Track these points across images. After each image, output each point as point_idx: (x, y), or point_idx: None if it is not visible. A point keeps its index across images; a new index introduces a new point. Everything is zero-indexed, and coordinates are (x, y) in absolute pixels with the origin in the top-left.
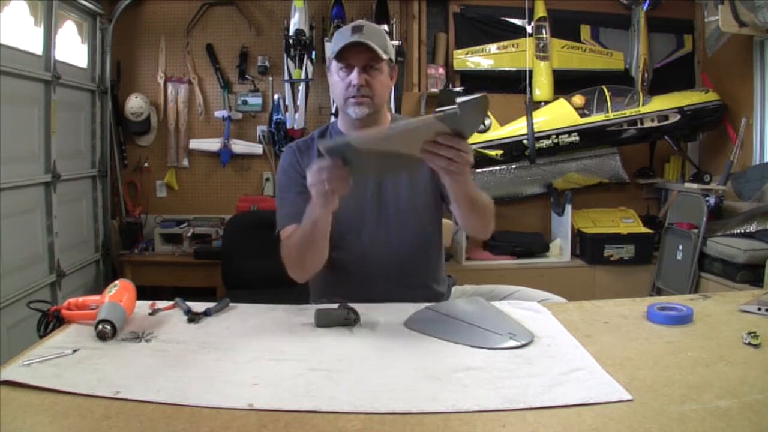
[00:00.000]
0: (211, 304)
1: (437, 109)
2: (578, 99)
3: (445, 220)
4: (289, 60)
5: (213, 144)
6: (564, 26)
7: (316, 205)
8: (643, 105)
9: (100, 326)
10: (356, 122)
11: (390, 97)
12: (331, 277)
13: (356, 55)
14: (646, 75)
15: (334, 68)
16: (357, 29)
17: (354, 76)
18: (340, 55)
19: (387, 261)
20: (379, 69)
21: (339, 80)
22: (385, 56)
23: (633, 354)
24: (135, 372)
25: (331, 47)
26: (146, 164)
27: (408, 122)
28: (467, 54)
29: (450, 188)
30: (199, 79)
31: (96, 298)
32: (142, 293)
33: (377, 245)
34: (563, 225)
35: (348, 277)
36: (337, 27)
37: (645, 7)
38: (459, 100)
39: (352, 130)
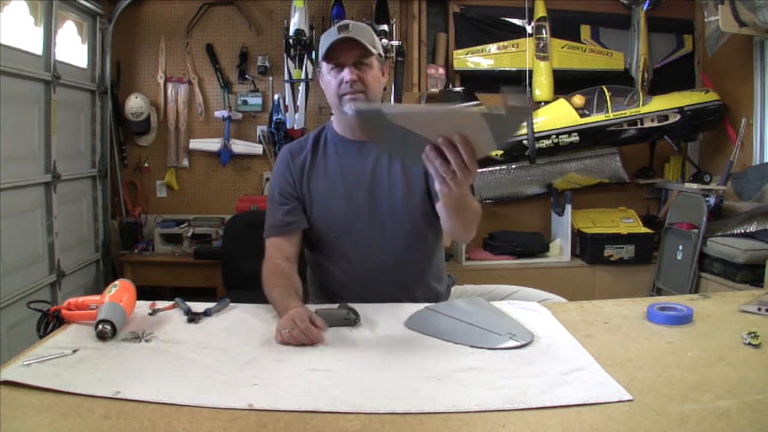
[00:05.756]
0: (211, 304)
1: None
2: (578, 99)
3: None
4: (289, 60)
5: (213, 144)
6: (564, 26)
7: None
8: (643, 105)
9: (100, 326)
10: (351, 120)
11: (390, 95)
12: (329, 277)
13: (345, 53)
14: (646, 75)
15: (325, 70)
16: (343, 28)
17: (346, 73)
18: (329, 55)
19: (383, 260)
20: (369, 64)
21: (331, 79)
22: (374, 51)
23: (633, 354)
24: (135, 372)
25: (319, 50)
26: (146, 164)
27: (449, 107)
28: (467, 54)
29: (441, 194)
30: (199, 79)
31: (96, 298)
32: (142, 293)
33: (371, 245)
34: (563, 225)
35: (346, 277)
36: None
37: (645, 7)
38: (509, 102)
39: (347, 129)
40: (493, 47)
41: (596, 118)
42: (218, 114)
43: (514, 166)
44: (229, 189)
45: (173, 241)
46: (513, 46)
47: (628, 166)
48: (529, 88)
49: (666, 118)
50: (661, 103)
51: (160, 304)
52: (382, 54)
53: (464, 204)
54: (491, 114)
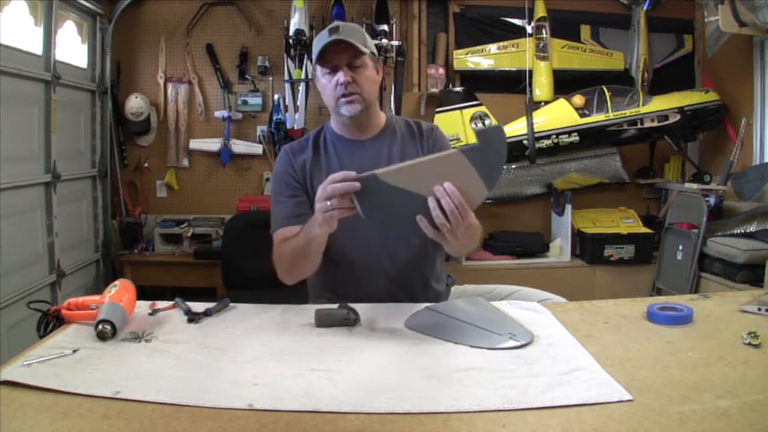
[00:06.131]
0: (211, 304)
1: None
2: (578, 99)
3: None
4: (289, 60)
5: (213, 144)
6: (564, 26)
7: (315, 224)
8: (643, 105)
9: (100, 326)
10: (349, 121)
11: (390, 95)
12: (329, 276)
13: (337, 55)
14: (646, 75)
15: (320, 73)
16: (334, 30)
17: (340, 75)
18: (322, 58)
19: (384, 260)
20: (362, 65)
21: (326, 83)
22: (365, 50)
23: (633, 354)
24: (135, 372)
25: (312, 53)
26: (146, 164)
27: (432, 155)
28: (467, 54)
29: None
30: (199, 79)
31: (96, 298)
32: (142, 293)
33: (372, 245)
34: (563, 225)
35: (346, 277)
36: None
37: (645, 7)
38: (476, 130)
39: (346, 129)
40: (493, 47)
41: (596, 118)
42: (218, 114)
43: (514, 166)
44: (229, 189)
45: (173, 241)
46: (513, 46)
47: (628, 166)
48: (529, 88)
49: (666, 118)
50: (661, 103)
51: (160, 304)
52: (376, 52)
53: (465, 239)
54: (468, 148)
